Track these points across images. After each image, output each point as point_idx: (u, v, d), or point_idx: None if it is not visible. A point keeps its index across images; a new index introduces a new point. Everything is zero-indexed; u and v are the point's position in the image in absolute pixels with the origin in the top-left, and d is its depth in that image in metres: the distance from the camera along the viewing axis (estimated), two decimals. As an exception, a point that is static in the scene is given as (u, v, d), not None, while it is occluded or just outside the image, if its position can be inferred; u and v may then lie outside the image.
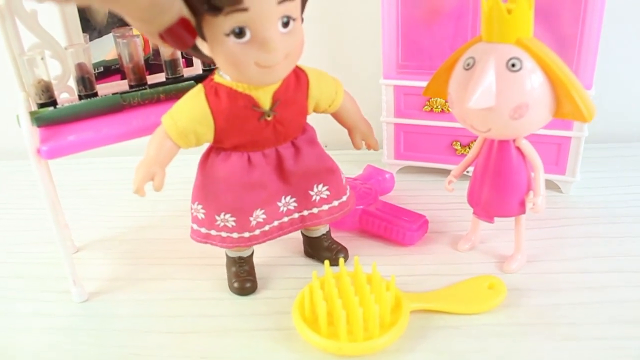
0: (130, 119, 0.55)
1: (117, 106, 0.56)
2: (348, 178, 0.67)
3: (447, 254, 0.60)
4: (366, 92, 0.78)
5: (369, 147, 0.59)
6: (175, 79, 0.60)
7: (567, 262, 0.57)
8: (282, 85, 0.49)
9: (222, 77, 0.48)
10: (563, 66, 0.47)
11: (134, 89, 0.58)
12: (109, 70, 0.61)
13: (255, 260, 0.58)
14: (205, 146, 0.52)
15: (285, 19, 0.44)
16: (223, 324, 0.52)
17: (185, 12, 0.42)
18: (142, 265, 0.62)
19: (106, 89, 0.59)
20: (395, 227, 0.60)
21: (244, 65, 0.44)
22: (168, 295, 0.57)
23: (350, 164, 0.77)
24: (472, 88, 0.46)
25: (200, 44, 0.45)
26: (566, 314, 0.50)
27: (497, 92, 0.46)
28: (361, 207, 0.63)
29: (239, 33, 0.43)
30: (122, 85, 0.60)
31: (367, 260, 0.55)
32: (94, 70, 0.58)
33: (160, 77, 0.61)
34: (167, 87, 0.58)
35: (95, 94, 0.57)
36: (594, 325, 0.49)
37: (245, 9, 0.41)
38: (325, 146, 0.57)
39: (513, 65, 0.46)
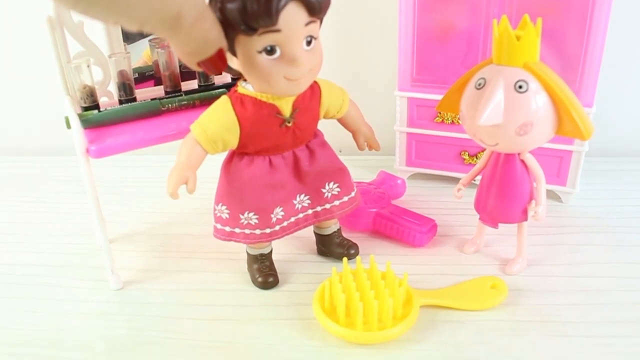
0: (168, 122, 0.58)
1: (156, 111, 0.59)
2: (363, 182, 0.71)
3: (454, 255, 0.63)
4: (382, 102, 0.82)
5: (370, 148, 0.63)
6: (207, 86, 0.63)
7: (564, 267, 0.60)
8: (300, 94, 0.53)
9: (244, 88, 0.52)
10: (565, 88, 0.51)
11: (170, 95, 0.61)
12: (144, 77, 0.65)
13: (273, 257, 0.61)
14: (224, 153, 0.56)
15: (309, 39, 0.49)
16: (248, 313, 0.56)
17: (223, 42, 0.46)
18: (170, 258, 0.65)
19: (143, 93, 0.63)
20: (407, 229, 0.64)
21: (274, 79, 0.49)
22: (197, 286, 0.60)
23: (364, 169, 0.81)
24: (483, 106, 0.50)
25: (229, 59, 0.49)
26: (560, 313, 0.54)
27: (504, 111, 0.50)
28: (375, 210, 0.66)
29: (270, 50, 0.48)
30: (157, 90, 0.64)
31: (380, 259, 0.58)
32: (131, 76, 0.62)
33: (192, 84, 0.64)
34: (201, 94, 0.61)
35: (135, 99, 0.61)
36: (585, 324, 0.52)
37: (278, 30, 0.46)
38: (340, 151, 0.62)
39: (520, 87, 0.50)
